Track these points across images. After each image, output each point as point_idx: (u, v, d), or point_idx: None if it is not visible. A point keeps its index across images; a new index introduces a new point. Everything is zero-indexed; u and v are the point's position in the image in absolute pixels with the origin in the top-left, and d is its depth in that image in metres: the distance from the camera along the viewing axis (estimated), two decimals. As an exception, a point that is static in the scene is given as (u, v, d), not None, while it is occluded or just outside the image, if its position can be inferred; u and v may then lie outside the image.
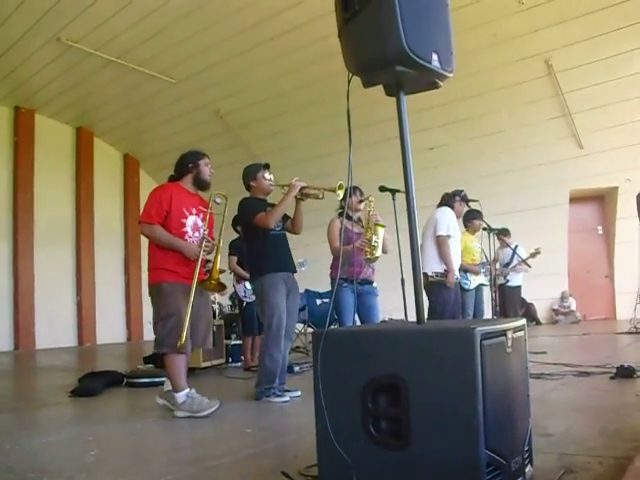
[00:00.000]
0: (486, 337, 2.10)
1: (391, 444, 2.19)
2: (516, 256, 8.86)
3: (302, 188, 4.99)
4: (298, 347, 9.19)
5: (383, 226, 5.62)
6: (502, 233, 8.16)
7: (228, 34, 12.51)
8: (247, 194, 5.40)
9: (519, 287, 9.82)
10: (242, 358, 8.15)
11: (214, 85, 14.55)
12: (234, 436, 3.78)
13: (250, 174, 5.38)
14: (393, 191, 5.25)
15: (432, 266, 6.70)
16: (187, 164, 4.89)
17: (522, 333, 2.45)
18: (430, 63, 2.33)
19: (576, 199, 14.55)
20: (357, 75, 2.43)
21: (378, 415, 2.24)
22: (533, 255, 8.88)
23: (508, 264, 9.00)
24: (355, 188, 5.84)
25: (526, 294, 13.73)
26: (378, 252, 5.58)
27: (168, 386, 4.76)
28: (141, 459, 3.37)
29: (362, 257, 5.60)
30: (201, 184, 4.93)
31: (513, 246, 8.57)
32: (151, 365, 8.06)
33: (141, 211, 4.65)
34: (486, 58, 12.61)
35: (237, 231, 7.20)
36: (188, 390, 4.51)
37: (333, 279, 5.79)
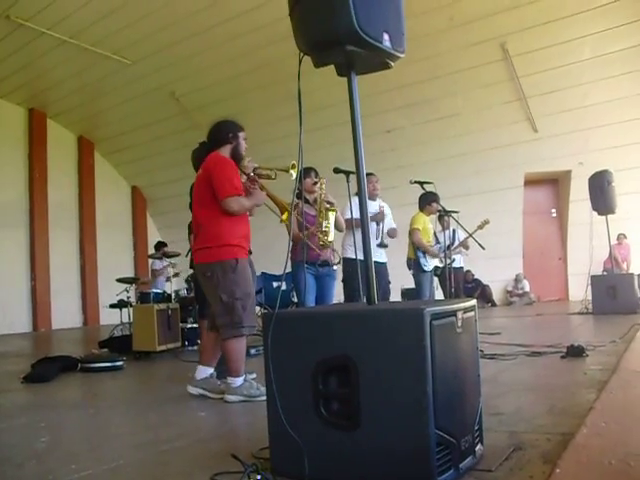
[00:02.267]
0: (436, 317, 2.12)
1: (342, 425, 2.20)
2: (457, 236, 8.89)
3: (254, 169, 4.91)
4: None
5: (334, 210, 5.60)
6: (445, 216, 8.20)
7: (183, 15, 12.33)
8: None
9: (462, 268, 9.92)
10: (199, 341, 8.08)
11: (169, 66, 14.35)
12: (188, 420, 3.75)
13: (203, 156, 5.28)
14: (347, 173, 5.22)
15: None
16: (227, 133, 4.49)
17: (472, 313, 2.47)
18: (381, 43, 2.32)
19: (530, 182, 14.74)
20: (308, 55, 2.40)
21: (329, 396, 2.25)
22: (481, 226, 8.89)
23: (451, 245, 9.01)
24: (310, 169, 5.81)
25: (481, 276, 13.95)
26: (330, 237, 5.55)
27: (201, 374, 4.50)
28: (93, 445, 3.32)
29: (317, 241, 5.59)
30: (238, 158, 4.53)
31: (452, 229, 8.62)
32: (106, 349, 7.98)
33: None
34: (443, 41, 12.66)
35: None
36: (246, 375, 4.33)
37: (294, 262, 5.81)
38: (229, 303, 4.22)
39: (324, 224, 5.49)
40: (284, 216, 4.83)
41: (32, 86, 15.84)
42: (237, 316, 4.22)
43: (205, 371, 4.51)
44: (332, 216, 5.55)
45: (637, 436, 2.19)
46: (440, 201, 7.82)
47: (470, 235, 8.35)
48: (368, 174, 6.11)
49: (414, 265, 8.03)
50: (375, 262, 6.03)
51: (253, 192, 4.49)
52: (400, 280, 8.44)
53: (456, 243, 9.02)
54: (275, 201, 4.76)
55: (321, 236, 5.50)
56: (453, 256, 9.09)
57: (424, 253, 7.95)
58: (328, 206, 5.54)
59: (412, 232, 7.98)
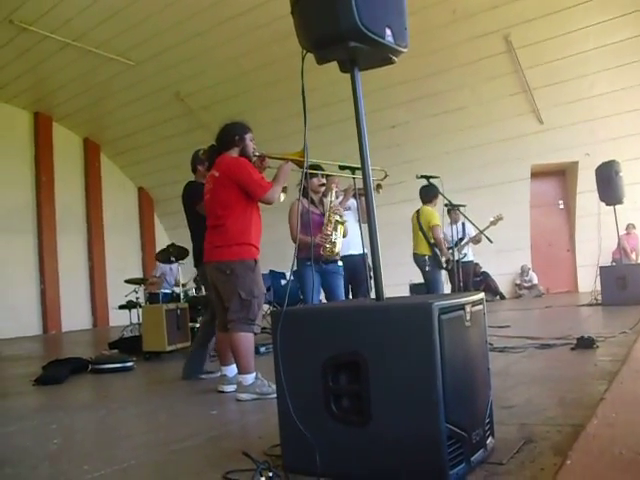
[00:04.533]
0: (444, 311, 2.11)
1: (353, 421, 2.21)
2: (467, 230, 8.83)
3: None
4: (265, 328, 9.16)
5: (343, 223, 5.62)
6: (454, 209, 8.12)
7: (186, 15, 12.35)
8: None
9: (472, 261, 9.92)
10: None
11: (174, 67, 14.38)
12: (199, 418, 3.76)
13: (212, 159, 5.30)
14: (353, 169, 5.22)
15: None
16: (234, 136, 4.54)
17: (481, 307, 2.46)
18: (384, 38, 2.32)
19: (537, 174, 14.68)
20: (310, 52, 2.40)
21: (339, 393, 2.25)
22: (494, 222, 8.88)
23: (462, 239, 8.99)
24: (317, 167, 5.79)
25: (489, 269, 13.92)
26: (337, 248, 5.59)
27: (231, 373, 4.61)
28: (105, 445, 3.34)
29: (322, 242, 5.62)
30: (247, 159, 4.55)
31: (460, 222, 8.57)
32: (116, 350, 8.01)
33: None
34: (446, 35, 12.63)
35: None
36: (257, 372, 4.38)
37: (298, 259, 5.84)
38: (247, 300, 4.33)
39: (333, 236, 5.52)
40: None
41: (37, 90, 15.91)
42: (252, 313, 4.34)
43: (232, 370, 4.60)
44: (341, 229, 5.58)
45: (648, 426, 2.19)
46: (445, 194, 7.76)
47: (481, 232, 8.29)
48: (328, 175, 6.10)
49: (431, 262, 7.87)
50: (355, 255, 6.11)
51: (279, 171, 4.53)
52: (408, 275, 8.42)
53: (466, 237, 9.01)
54: (292, 161, 4.69)
55: (329, 246, 5.54)
56: (464, 250, 9.11)
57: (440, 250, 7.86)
58: (338, 218, 5.56)
59: (434, 229, 7.73)
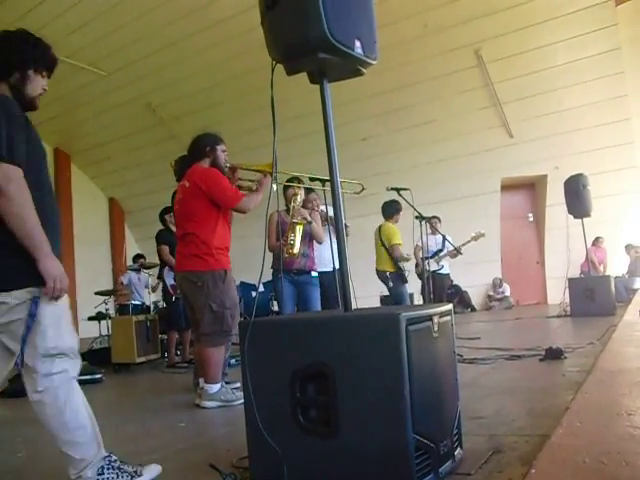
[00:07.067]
0: (412, 322, 2.12)
1: (321, 432, 2.20)
2: (447, 243, 8.85)
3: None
4: (234, 343, 9.10)
5: (301, 224, 5.63)
6: (432, 220, 8.15)
7: (158, 25, 12.32)
8: None
9: (449, 274, 9.98)
10: (178, 353, 7.96)
11: (145, 77, 14.32)
12: (167, 431, 3.73)
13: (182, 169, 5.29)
14: (323, 180, 5.24)
15: None
16: (204, 147, 4.55)
17: (449, 318, 2.48)
18: (353, 50, 2.33)
19: (507, 187, 14.81)
20: (280, 62, 2.40)
21: (307, 404, 2.24)
22: (475, 238, 8.96)
23: (440, 250, 9.03)
24: (293, 179, 5.81)
25: (460, 281, 13.98)
26: (295, 249, 5.60)
27: (213, 388, 4.44)
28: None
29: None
30: (218, 170, 4.55)
31: (441, 235, 8.61)
32: (85, 362, 7.90)
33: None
34: (417, 48, 12.75)
35: (163, 222, 7.28)
36: (223, 382, 4.43)
37: (272, 270, 5.88)
38: (219, 312, 4.33)
39: (290, 237, 5.54)
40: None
41: (6, 98, 15.70)
42: (226, 325, 4.35)
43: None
44: (299, 229, 5.59)
45: (611, 434, 2.21)
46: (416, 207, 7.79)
47: (455, 248, 8.35)
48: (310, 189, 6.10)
49: (395, 277, 7.86)
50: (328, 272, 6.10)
51: (260, 184, 4.58)
52: (379, 287, 8.43)
53: (445, 250, 9.05)
54: (263, 172, 4.68)
55: (287, 248, 5.55)
56: (441, 262, 9.15)
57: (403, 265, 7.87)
58: (296, 220, 5.58)
59: (394, 248, 7.74)
